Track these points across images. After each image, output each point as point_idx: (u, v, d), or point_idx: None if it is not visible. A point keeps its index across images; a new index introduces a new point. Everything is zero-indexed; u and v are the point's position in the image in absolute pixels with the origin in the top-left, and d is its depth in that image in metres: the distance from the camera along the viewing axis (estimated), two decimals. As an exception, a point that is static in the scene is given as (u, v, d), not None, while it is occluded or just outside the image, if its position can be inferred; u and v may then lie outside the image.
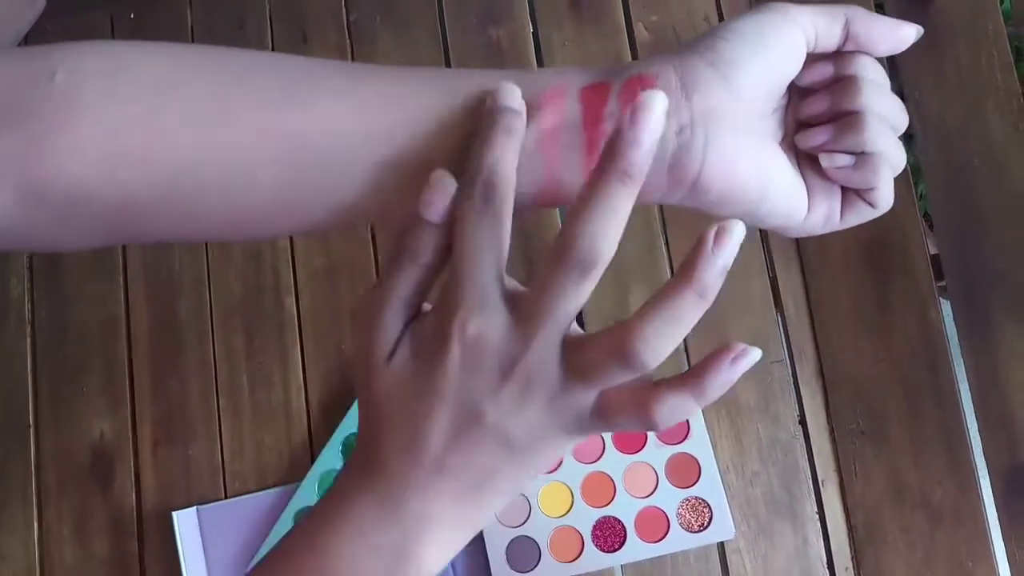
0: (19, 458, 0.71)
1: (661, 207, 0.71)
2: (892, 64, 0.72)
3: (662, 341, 0.27)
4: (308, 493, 0.67)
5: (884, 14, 0.34)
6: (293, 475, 0.69)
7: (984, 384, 0.66)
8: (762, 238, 0.70)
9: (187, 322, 0.72)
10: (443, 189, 0.29)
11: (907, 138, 0.76)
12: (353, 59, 0.76)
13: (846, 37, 0.32)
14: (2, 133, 0.29)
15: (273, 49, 0.77)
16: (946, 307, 0.68)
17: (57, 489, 0.70)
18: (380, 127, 0.31)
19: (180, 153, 0.30)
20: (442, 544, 0.30)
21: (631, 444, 0.66)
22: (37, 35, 0.79)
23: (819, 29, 0.32)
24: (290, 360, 0.71)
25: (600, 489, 0.66)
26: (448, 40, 0.76)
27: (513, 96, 0.30)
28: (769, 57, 0.31)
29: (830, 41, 0.32)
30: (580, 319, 0.70)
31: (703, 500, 0.65)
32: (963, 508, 0.65)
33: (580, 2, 0.75)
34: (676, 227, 0.71)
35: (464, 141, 0.31)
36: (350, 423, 0.67)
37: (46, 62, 0.30)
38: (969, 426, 0.66)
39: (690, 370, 0.29)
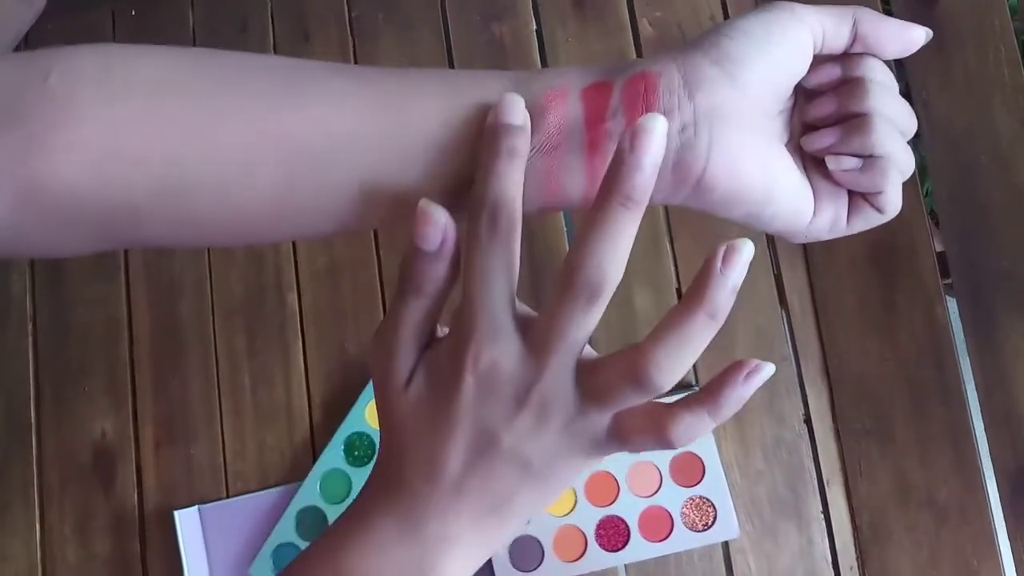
0: (21, 458, 0.71)
1: (666, 208, 0.71)
2: (898, 60, 0.71)
3: (675, 364, 0.28)
4: (310, 492, 0.67)
5: (891, 10, 0.34)
6: (295, 474, 0.68)
7: (990, 383, 0.66)
8: (767, 236, 0.70)
9: (189, 322, 0.72)
10: (433, 219, 0.29)
11: (913, 135, 0.75)
12: (355, 57, 0.76)
13: (854, 38, 0.32)
14: None
15: (275, 47, 0.77)
16: (952, 305, 0.67)
17: (59, 489, 0.70)
18: (380, 129, 0.31)
19: (175, 153, 0.30)
20: (461, 563, 0.31)
21: (635, 444, 0.66)
22: (37, 35, 0.79)
23: (827, 29, 0.31)
24: (292, 359, 0.71)
25: (604, 488, 0.65)
26: (451, 37, 0.76)
27: (515, 110, 0.30)
28: (775, 55, 0.31)
29: (838, 42, 0.32)
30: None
31: (707, 499, 0.65)
32: (969, 507, 0.64)
33: (583, -1, 0.75)
34: (681, 228, 0.70)
35: (465, 144, 0.31)
36: (352, 422, 0.67)
37: (40, 64, 0.29)
38: (975, 425, 0.65)
39: (704, 388, 0.29)
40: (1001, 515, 0.64)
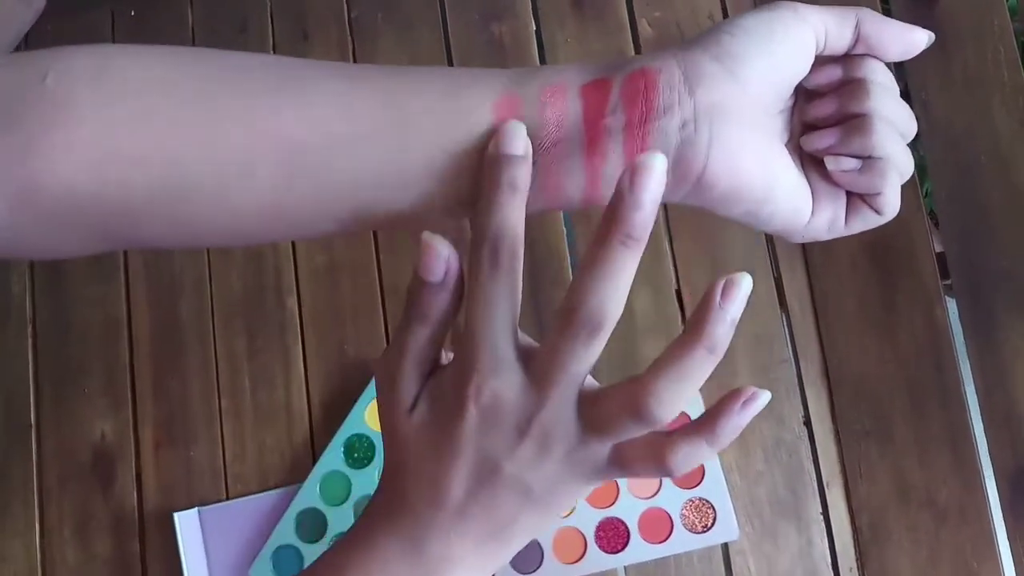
0: (20, 459, 0.71)
1: (666, 210, 0.71)
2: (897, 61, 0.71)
3: (675, 397, 0.28)
4: (309, 494, 0.66)
5: (890, 10, 0.34)
6: (295, 476, 0.68)
7: (990, 383, 0.66)
8: (767, 238, 0.69)
9: (188, 322, 0.72)
10: (436, 252, 0.30)
11: (913, 135, 0.75)
12: (354, 56, 0.76)
13: (856, 40, 0.32)
14: None
15: (274, 46, 0.77)
16: (952, 306, 0.67)
17: (58, 490, 0.70)
18: (379, 128, 0.31)
19: (172, 153, 0.29)
20: None
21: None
22: (37, 35, 0.79)
23: (829, 30, 0.31)
24: (292, 360, 0.71)
25: (603, 490, 0.65)
26: (450, 37, 0.75)
27: (516, 140, 0.30)
28: (777, 53, 0.31)
29: (840, 43, 0.32)
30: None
31: (707, 501, 0.65)
32: (968, 507, 0.64)
33: (583, -1, 0.75)
34: (680, 229, 0.70)
35: (465, 143, 0.31)
36: (352, 424, 0.67)
37: (38, 65, 0.29)
38: (975, 425, 0.65)
39: (702, 417, 0.30)
40: (1001, 516, 0.64)
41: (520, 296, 0.30)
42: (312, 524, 0.66)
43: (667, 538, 0.64)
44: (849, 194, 0.33)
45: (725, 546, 0.65)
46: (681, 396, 0.28)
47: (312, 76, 0.31)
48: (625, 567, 0.65)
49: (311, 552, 0.66)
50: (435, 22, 0.76)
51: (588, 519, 0.65)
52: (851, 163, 0.32)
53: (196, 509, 0.68)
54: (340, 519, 0.66)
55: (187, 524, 0.67)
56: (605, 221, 0.28)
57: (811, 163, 0.33)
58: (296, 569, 0.66)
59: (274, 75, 0.31)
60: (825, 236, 0.34)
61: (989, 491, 0.64)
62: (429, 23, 0.76)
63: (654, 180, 0.27)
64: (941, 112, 0.70)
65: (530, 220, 0.31)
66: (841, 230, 0.34)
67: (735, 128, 0.30)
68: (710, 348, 0.28)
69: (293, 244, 0.73)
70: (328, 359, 0.70)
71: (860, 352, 0.67)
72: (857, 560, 0.65)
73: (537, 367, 0.29)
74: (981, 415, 0.65)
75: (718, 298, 0.28)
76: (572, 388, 0.30)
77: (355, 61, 0.76)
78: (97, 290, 0.73)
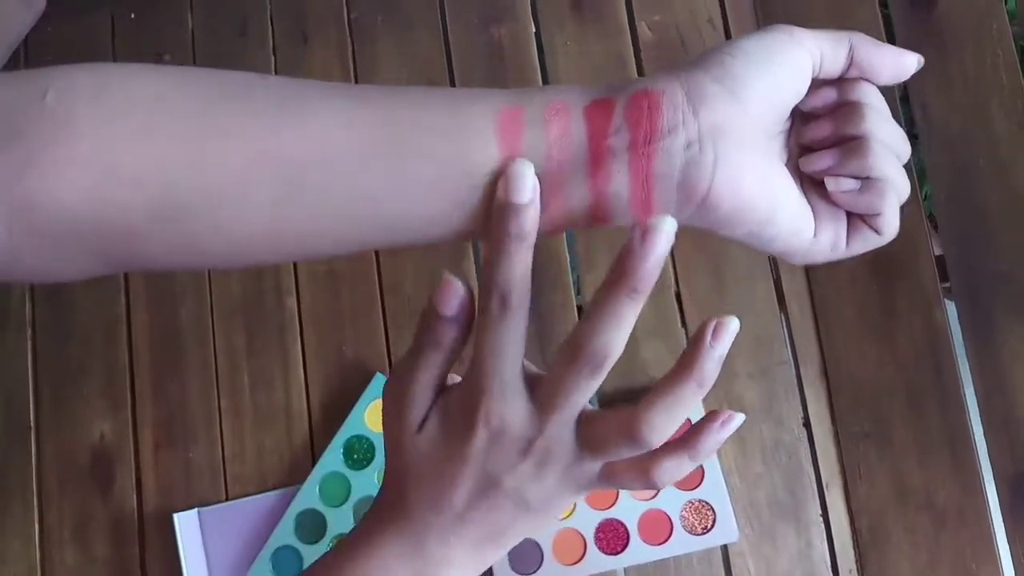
0: (19, 460, 0.71)
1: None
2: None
3: (666, 425, 0.31)
4: (309, 495, 0.66)
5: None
6: (294, 477, 0.68)
7: (989, 386, 0.66)
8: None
9: (188, 324, 0.72)
10: (454, 289, 0.32)
11: (912, 138, 0.76)
12: (354, 58, 0.76)
13: (850, 63, 0.33)
14: None
15: (274, 48, 0.77)
16: (951, 308, 0.68)
17: (58, 492, 0.70)
18: (378, 145, 0.31)
19: (171, 171, 0.29)
20: None
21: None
22: (37, 37, 0.79)
23: (824, 54, 0.32)
24: (291, 362, 0.71)
25: (603, 491, 0.65)
26: (449, 39, 0.76)
27: (523, 186, 0.31)
28: (776, 76, 0.31)
29: (835, 66, 0.33)
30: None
31: (706, 503, 0.65)
32: (967, 510, 0.64)
33: (582, 2, 0.75)
34: (681, 233, 0.70)
35: (466, 161, 0.31)
36: (351, 425, 0.67)
37: (38, 83, 0.29)
38: (974, 428, 0.65)
39: (684, 436, 0.33)
40: (1000, 518, 0.64)
41: (526, 334, 0.32)
42: (311, 525, 0.66)
43: (667, 540, 0.65)
44: (849, 216, 0.34)
45: (724, 548, 0.65)
46: (672, 424, 0.31)
47: (312, 96, 0.32)
48: (625, 569, 0.65)
49: (310, 553, 0.66)
50: (435, 24, 0.76)
51: (588, 520, 0.65)
52: (850, 183, 0.33)
53: (196, 510, 0.68)
54: (339, 520, 0.66)
55: (187, 525, 0.67)
56: (614, 272, 0.30)
57: (810, 185, 0.34)
58: (296, 570, 0.66)
59: (274, 94, 0.31)
60: (827, 257, 0.34)
61: (988, 494, 0.64)
62: (429, 25, 0.76)
63: (663, 241, 0.29)
64: (940, 115, 0.70)
65: (537, 239, 0.32)
66: (842, 251, 0.34)
67: (738, 149, 0.30)
68: (700, 383, 0.31)
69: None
70: (327, 361, 0.70)
71: (859, 354, 0.67)
72: (856, 562, 0.65)
73: (542, 394, 0.32)
74: (980, 418, 0.65)
75: (709, 337, 0.31)
76: (573, 414, 0.32)
77: (354, 63, 0.76)
78: (96, 292, 0.73)
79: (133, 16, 0.78)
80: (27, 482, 0.70)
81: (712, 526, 0.65)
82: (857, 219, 0.34)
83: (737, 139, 0.30)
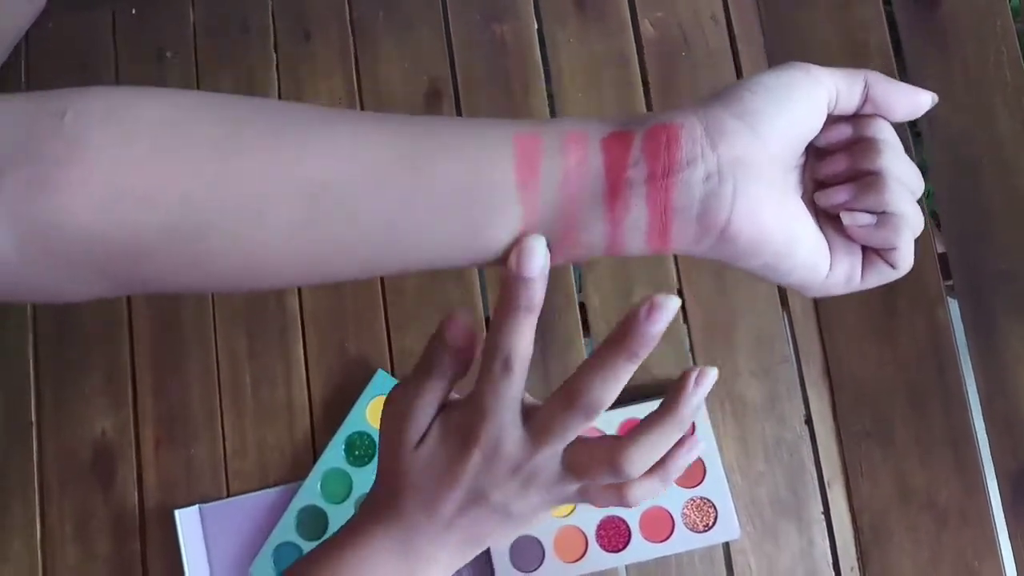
0: (21, 458, 0.71)
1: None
2: (900, 60, 0.71)
3: (646, 459, 0.35)
4: (311, 492, 0.66)
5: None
6: (296, 473, 0.68)
7: (991, 385, 0.66)
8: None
9: (189, 320, 0.72)
10: (463, 325, 0.36)
11: (914, 136, 0.75)
12: (355, 56, 0.76)
13: (864, 100, 0.33)
14: (9, 172, 0.28)
15: (275, 46, 0.77)
16: (954, 307, 0.67)
17: (59, 489, 0.70)
18: (397, 166, 0.31)
19: (186, 192, 0.30)
20: (442, 574, 0.38)
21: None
22: (38, 33, 0.79)
23: (840, 90, 0.33)
24: (293, 358, 0.71)
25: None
26: (452, 37, 0.75)
27: (534, 261, 0.32)
28: (795, 112, 0.32)
29: (850, 103, 0.33)
30: (584, 316, 0.70)
31: (708, 500, 0.65)
32: (969, 509, 0.64)
33: (585, -1, 0.75)
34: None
35: (487, 184, 0.31)
36: (353, 422, 0.67)
37: (56, 103, 0.30)
38: (976, 427, 0.65)
39: (656, 463, 0.36)
40: (1002, 517, 0.64)
41: (525, 379, 0.35)
42: (313, 521, 0.66)
43: (668, 537, 0.64)
44: (864, 250, 0.35)
45: (726, 545, 0.65)
46: (651, 458, 0.35)
47: (329, 119, 0.32)
48: (626, 566, 0.65)
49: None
50: (437, 22, 0.76)
51: (589, 518, 0.65)
52: (867, 218, 0.33)
53: (197, 506, 0.68)
54: (341, 516, 0.66)
55: (188, 521, 0.67)
56: (619, 334, 0.33)
57: (825, 219, 0.35)
58: (296, 568, 0.66)
59: (290, 118, 0.32)
60: (842, 290, 0.35)
61: (990, 492, 0.64)
62: (431, 23, 0.76)
63: (667, 319, 0.32)
64: (942, 113, 0.70)
65: (554, 268, 0.33)
66: (857, 284, 0.35)
67: (757, 182, 0.31)
68: (681, 425, 0.35)
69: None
70: (329, 357, 0.70)
71: (862, 353, 0.67)
72: (858, 560, 0.65)
73: (536, 426, 0.35)
74: (982, 417, 0.65)
75: (692, 384, 0.34)
76: (562, 445, 0.35)
77: (356, 61, 0.76)
78: (98, 288, 0.73)
79: (134, 12, 0.78)
80: (28, 479, 0.70)
81: (714, 524, 0.65)
82: (872, 253, 0.34)
83: (756, 173, 0.31)
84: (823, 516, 0.66)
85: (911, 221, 0.33)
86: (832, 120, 0.34)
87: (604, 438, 0.36)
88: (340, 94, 0.75)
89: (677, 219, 0.31)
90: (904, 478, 0.65)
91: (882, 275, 0.35)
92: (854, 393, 0.67)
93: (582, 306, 0.70)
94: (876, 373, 0.67)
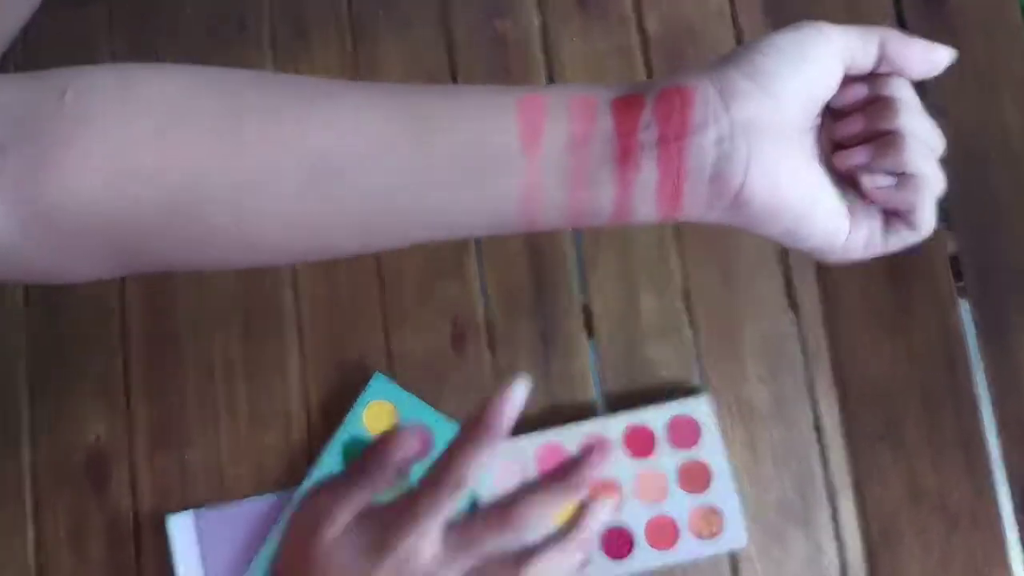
0: (12, 462, 0.70)
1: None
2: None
3: (539, 511, 0.37)
4: (308, 498, 0.66)
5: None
6: (292, 478, 0.68)
7: (1003, 387, 0.65)
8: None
9: (184, 324, 0.71)
10: (407, 442, 0.38)
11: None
12: (355, 53, 0.75)
13: (880, 59, 0.32)
14: (10, 151, 0.28)
15: (273, 43, 0.76)
16: (965, 306, 0.67)
17: (52, 493, 0.69)
18: (401, 134, 0.31)
19: (190, 169, 0.29)
20: None
21: (641, 450, 0.65)
22: (35, 30, 0.78)
23: (855, 49, 0.32)
24: (289, 363, 0.70)
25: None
26: (453, 34, 0.75)
27: (505, 413, 0.35)
28: (808, 72, 0.31)
29: (865, 62, 0.32)
30: (589, 321, 0.69)
31: (715, 507, 0.64)
32: (980, 513, 0.64)
33: (588, -6, 0.74)
34: (688, 231, 0.69)
35: (491, 156, 0.31)
36: (350, 426, 0.66)
37: (56, 82, 0.30)
38: (987, 430, 0.65)
39: (560, 530, 0.38)
40: (1013, 521, 0.64)
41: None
42: (310, 529, 0.65)
43: (673, 545, 0.64)
44: (884, 212, 0.34)
45: (733, 552, 0.65)
46: (547, 513, 0.37)
47: (332, 91, 0.32)
48: (631, 574, 0.64)
49: (309, 557, 0.65)
50: (437, 19, 0.75)
51: (592, 524, 0.64)
52: (886, 179, 0.32)
53: (191, 512, 0.67)
54: (339, 524, 0.65)
55: (182, 527, 0.66)
56: (560, 474, 0.37)
57: (843, 181, 0.34)
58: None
59: (293, 91, 0.32)
60: (862, 255, 0.34)
61: (1001, 496, 0.64)
62: (431, 20, 0.75)
63: (601, 521, 0.39)
64: (951, 108, 0.69)
65: (559, 232, 0.32)
66: (878, 248, 0.34)
67: (772, 145, 0.30)
68: (583, 548, 0.38)
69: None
70: (326, 360, 0.70)
71: (871, 355, 0.67)
72: (867, 566, 0.64)
73: (457, 541, 0.36)
74: (994, 419, 0.65)
75: (588, 520, 0.38)
76: (478, 561, 0.37)
77: (356, 59, 0.75)
78: (91, 291, 0.72)
79: (131, 8, 0.78)
80: (21, 484, 0.69)
81: (720, 531, 0.64)
82: (892, 215, 0.34)
83: (771, 136, 0.30)
84: (832, 521, 0.65)
85: (931, 181, 0.32)
86: (848, 80, 0.33)
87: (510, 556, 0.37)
88: (338, 92, 0.74)
89: (689, 182, 0.30)
90: (915, 480, 0.65)
91: (903, 238, 0.34)
92: (863, 396, 0.66)
93: (585, 308, 0.69)
94: (886, 375, 0.66)
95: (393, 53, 0.75)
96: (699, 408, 0.65)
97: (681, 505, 0.64)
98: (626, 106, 0.31)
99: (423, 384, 0.68)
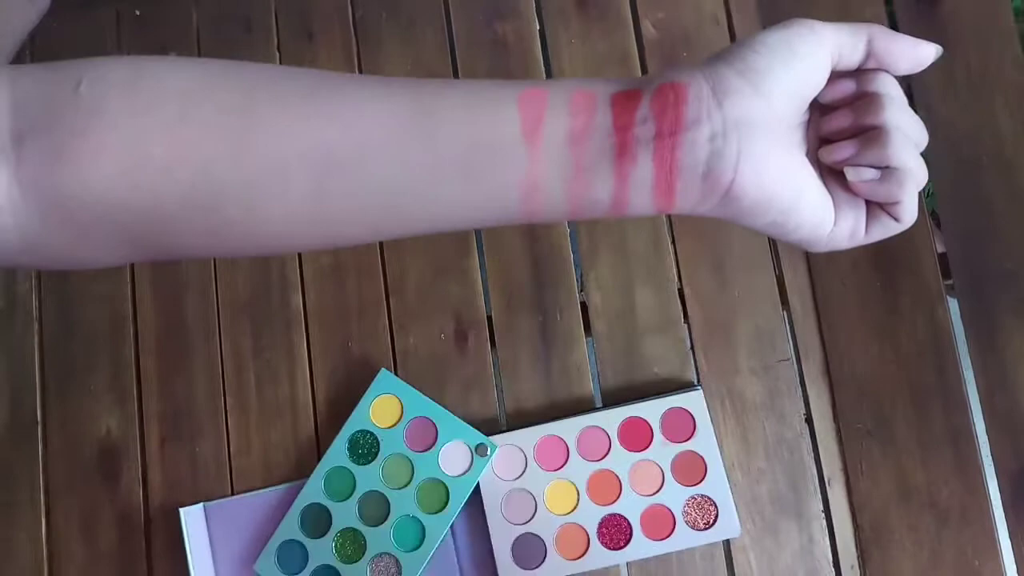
0: (26, 455, 0.71)
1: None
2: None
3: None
4: (314, 490, 0.67)
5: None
6: (300, 471, 0.69)
7: (992, 384, 0.66)
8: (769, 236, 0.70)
9: (194, 318, 0.72)
10: None
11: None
12: (359, 56, 0.76)
13: (867, 55, 0.33)
14: (28, 142, 0.29)
15: (279, 45, 0.77)
16: (954, 305, 0.68)
17: (65, 487, 0.70)
18: (408, 127, 0.31)
19: (204, 160, 0.30)
20: None
21: (637, 442, 0.66)
22: (42, 33, 0.79)
23: (843, 45, 0.33)
24: (297, 356, 0.71)
25: (606, 487, 0.66)
26: (454, 37, 0.76)
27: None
28: (798, 69, 0.32)
29: (853, 58, 0.33)
30: (586, 317, 0.70)
31: (709, 498, 0.65)
32: (970, 508, 0.65)
33: (587, -1, 0.75)
34: (683, 229, 0.70)
35: (497, 147, 0.31)
36: (356, 420, 0.67)
37: (71, 73, 0.30)
38: (976, 426, 0.66)
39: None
40: (1003, 516, 0.64)
41: None
42: (317, 519, 0.67)
43: (669, 535, 0.65)
44: (868, 204, 0.35)
45: (727, 543, 0.66)
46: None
47: (342, 84, 0.32)
48: (627, 563, 0.66)
49: (316, 547, 0.66)
50: (439, 22, 0.76)
51: (591, 516, 0.65)
52: (871, 173, 0.33)
53: (201, 504, 0.68)
54: (344, 514, 0.66)
55: (193, 519, 0.68)
56: None
57: (829, 175, 0.35)
58: (301, 564, 0.66)
59: (304, 84, 0.32)
60: (847, 245, 0.35)
61: (991, 491, 0.65)
62: (433, 23, 0.76)
63: None
64: (944, 113, 0.70)
65: (556, 225, 0.32)
66: (861, 238, 0.35)
67: (762, 141, 0.31)
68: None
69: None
70: (333, 355, 0.71)
71: (862, 351, 0.67)
72: (858, 558, 0.65)
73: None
74: (983, 415, 0.65)
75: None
76: None
77: (359, 61, 0.76)
78: (103, 286, 0.73)
79: (138, 12, 0.79)
80: (34, 477, 0.71)
81: (714, 521, 0.65)
82: (876, 207, 0.34)
83: (760, 132, 0.31)
84: (823, 514, 0.66)
85: (915, 175, 0.33)
86: (836, 76, 0.34)
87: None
88: (343, 94, 0.75)
89: (682, 177, 0.31)
90: (904, 476, 0.65)
91: (886, 228, 0.35)
92: (854, 391, 0.67)
93: (583, 305, 0.70)
94: (876, 371, 0.67)
95: (396, 55, 0.76)
96: (694, 401, 0.66)
97: (677, 496, 0.65)
98: (624, 101, 0.31)
99: (427, 379, 0.69)
